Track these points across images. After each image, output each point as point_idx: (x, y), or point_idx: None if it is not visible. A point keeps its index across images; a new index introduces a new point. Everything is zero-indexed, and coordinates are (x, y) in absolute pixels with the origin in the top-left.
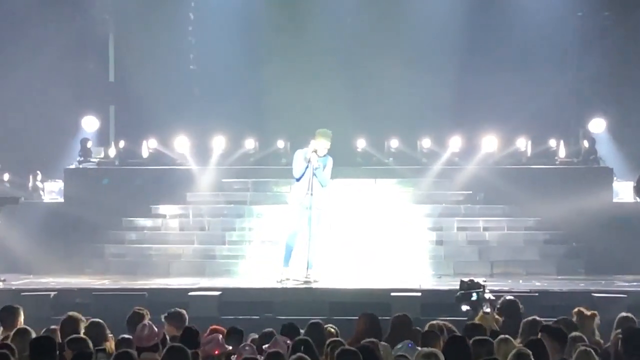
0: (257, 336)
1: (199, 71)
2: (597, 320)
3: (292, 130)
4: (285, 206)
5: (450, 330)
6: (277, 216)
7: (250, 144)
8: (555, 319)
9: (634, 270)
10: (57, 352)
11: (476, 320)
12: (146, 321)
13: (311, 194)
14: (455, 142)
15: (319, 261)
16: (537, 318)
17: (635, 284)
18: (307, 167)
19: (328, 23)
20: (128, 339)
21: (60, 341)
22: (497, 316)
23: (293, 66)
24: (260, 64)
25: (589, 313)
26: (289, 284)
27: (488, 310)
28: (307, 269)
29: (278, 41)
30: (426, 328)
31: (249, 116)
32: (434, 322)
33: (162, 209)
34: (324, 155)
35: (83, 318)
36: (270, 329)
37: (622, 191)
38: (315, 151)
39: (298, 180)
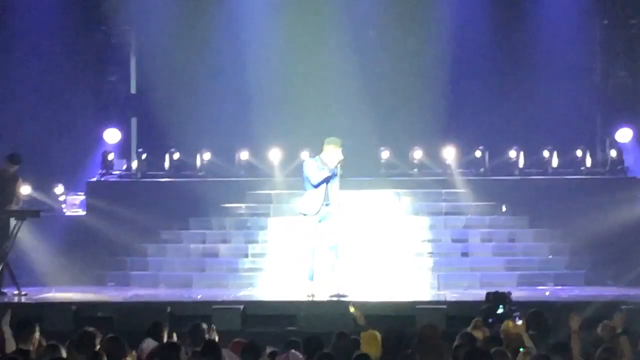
0: (275, 350)
1: (222, 83)
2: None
3: (316, 142)
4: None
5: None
6: (300, 228)
7: (275, 154)
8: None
9: None
10: None
11: (502, 331)
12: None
13: (327, 204)
14: (478, 152)
15: (340, 273)
16: None
17: None
18: (328, 175)
19: (351, 33)
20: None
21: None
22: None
23: (314, 78)
24: (279, 78)
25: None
26: (315, 298)
27: (519, 322)
28: (331, 281)
29: (299, 54)
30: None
31: (275, 128)
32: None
33: (185, 221)
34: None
35: (99, 333)
36: (295, 339)
37: None
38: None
39: (316, 187)
